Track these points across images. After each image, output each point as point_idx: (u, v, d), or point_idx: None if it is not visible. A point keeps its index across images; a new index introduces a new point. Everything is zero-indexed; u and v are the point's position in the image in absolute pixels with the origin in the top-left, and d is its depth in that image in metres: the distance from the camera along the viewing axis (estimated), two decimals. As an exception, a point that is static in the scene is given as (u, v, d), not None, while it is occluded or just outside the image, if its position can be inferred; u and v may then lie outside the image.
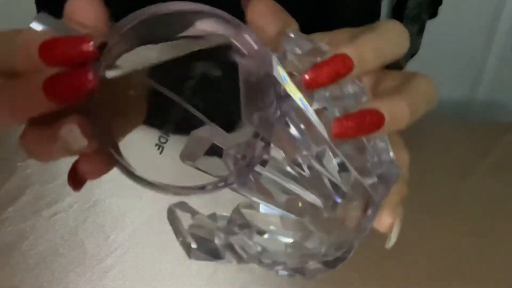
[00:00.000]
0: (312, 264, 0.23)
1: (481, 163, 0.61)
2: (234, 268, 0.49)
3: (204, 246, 0.23)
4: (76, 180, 0.23)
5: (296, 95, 0.20)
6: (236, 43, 0.21)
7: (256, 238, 0.23)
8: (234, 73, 0.21)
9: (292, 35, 0.22)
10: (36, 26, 0.20)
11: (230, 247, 0.23)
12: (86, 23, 0.20)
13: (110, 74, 0.20)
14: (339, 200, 0.21)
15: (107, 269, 0.49)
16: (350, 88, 0.22)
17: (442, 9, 1.15)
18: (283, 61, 0.20)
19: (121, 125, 0.22)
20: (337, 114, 0.21)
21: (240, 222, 0.23)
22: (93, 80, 0.18)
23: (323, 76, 0.19)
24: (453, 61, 1.28)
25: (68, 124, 0.19)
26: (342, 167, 0.21)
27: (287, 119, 0.20)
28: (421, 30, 1.15)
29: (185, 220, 0.24)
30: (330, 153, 0.21)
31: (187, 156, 0.22)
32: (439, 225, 0.52)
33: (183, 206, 0.24)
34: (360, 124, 0.19)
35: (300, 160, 0.21)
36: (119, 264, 0.49)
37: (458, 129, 0.69)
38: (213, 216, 0.24)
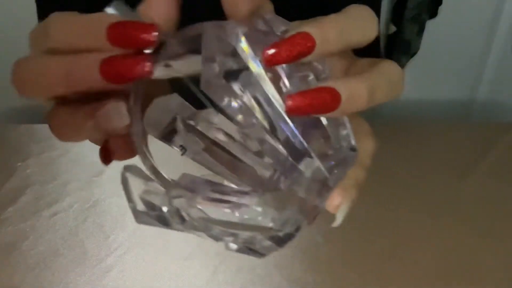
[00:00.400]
0: (261, 240, 0.22)
1: (481, 163, 0.61)
2: (234, 268, 0.49)
3: (153, 212, 0.23)
4: (107, 156, 0.24)
5: (255, 68, 0.20)
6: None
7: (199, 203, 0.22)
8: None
9: (266, 16, 0.22)
10: (110, 11, 0.21)
11: (178, 214, 0.22)
12: (157, 20, 0.21)
13: (160, 71, 0.21)
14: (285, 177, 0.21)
15: (107, 269, 0.49)
16: (311, 67, 0.21)
17: (442, 9, 1.15)
18: (251, 38, 0.20)
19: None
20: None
21: (185, 185, 0.23)
22: (150, 69, 0.20)
23: (283, 53, 0.19)
24: (453, 61, 1.28)
25: (114, 101, 0.21)
26: (300, 151, 0.20)
27: (245, 91, 0.20)
28: (421, 30, 1.15)
29: (138, 185, 0.23)
30: (287, 131, 0.20)
31: (150, 123, 0.22)
32: (439, 225, 0.52)
33: (136, 170, 0.24)
34: (314, 101, 0.19)
35: (250, 133, 0.21)
36: (119, 264, 0.49)
37: (458, 129, 0.69)
38: (166, 182, 0.24)
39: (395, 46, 1.17)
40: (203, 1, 0.26)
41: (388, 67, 0.22)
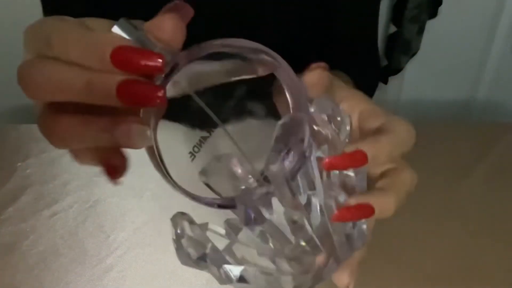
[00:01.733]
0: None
1: (481, 163, 0.61)
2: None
3: (196, 257, 0.25)
4: (115, 172, 0.25)
5: (314, 160, 0.24)
6: (278, 76, 0.24)
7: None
8: (270, 104, 0.24)
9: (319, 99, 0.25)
10: (116, 31, 0.22)
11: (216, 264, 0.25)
12: (164, 41, 0.22)
13: (170, 90, 0.22)
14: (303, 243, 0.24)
15: (107, 269, 0.49)
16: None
17: (442, 9, 1.15)
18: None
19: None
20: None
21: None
22: (163, 98, 0.20)
23: (341, 164, 0.24)
24: (453, 61, 1.28)
25: (138, 123, 0.22)
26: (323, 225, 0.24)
27: (298, 178, 0.24)
28: (421, 30, 1.15)
29: (187, 229, 0.26)
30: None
31: (205, 173, 0.23)
32: (439, 225, 0.52)
33: (188, 217, 0.26)
34: (355, 215, 0.24)
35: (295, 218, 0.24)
36: (119, 264, 0.49)
37: (458, 129, 0.69)
38: (204, 227, 0.26)
39: (395, 46, 1.17)
40: (202, 18, 0.27)
41: (410, 178, 0.29)
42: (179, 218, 0.25)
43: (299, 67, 0.27)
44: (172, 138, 0.24)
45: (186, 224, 0.25)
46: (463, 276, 0.47)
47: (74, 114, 0.22)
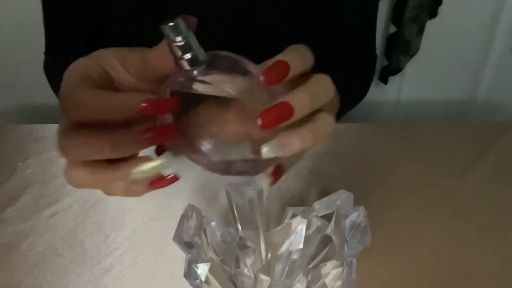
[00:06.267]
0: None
1: (481, 163, 0.61)
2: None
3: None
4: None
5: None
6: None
7: None
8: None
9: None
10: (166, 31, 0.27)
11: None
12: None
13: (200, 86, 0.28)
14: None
15: (107, 269, 0.49)
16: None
17: (442, 9, 1.15)
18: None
19: None
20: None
21: None
22: (175, 133, 0.28)
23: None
24: (453, 61, 1.28)
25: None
26: None
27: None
28: (421, 30, 1.15)
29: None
30: None
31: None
32: (439, 224, 0.52)
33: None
34: (276, 114, 0.27)
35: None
36: (119, 264, 0.49)
37: (458, 129, 0.69)
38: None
39: (395, 46, 1.17)
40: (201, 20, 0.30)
41: (319, 77, 0.29)
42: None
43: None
44: None
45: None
46: (463, 276, 0.47)
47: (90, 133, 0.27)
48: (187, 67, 0.27)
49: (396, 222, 0.53)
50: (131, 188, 0.30)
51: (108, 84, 0.31)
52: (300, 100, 0.27)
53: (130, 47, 0.32)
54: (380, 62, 1.25)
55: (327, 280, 0.35)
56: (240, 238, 0.37)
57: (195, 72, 0.27)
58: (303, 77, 0.29)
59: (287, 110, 0.27)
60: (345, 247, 0.37)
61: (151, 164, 0.28)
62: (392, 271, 0.47)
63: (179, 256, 0.49)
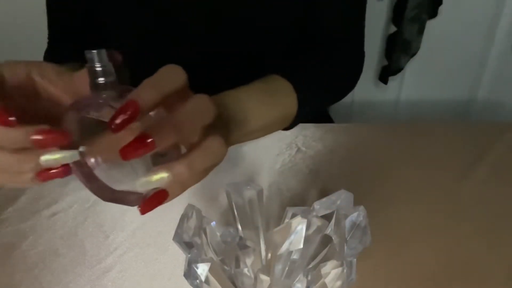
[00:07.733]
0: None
1: (481, 163, 0.61)
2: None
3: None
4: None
5: None
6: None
7: None
8: None
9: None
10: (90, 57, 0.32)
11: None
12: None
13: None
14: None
15: (107, 269, 0.49)
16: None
17: (442, 9, 1.15)
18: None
19: None
20: None
21: None
22: (64, 141, 0.31)
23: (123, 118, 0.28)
24: (453, 61, 1.28)
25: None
26: None
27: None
28: (421, 30, 1.15)
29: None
30: None
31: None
32: (439, 224, 0.52)
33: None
34: (137, 147, 0.28)
35: None
36: (119, 264, 0.49)
37: (458, 129, 0.69)
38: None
39: (395, 46, 1.17)
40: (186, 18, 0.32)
41: (194, 100, 0.31)
42: None
43: (288, 54, 0.32)
44: None
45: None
46: (462, 276, 0.47)
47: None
48: (99, 90, 0.31)
49: (396, 222, 0.52)
50: (18, 177, 0.32)
51: (27, 92, 0.33)
52: (162, 131, 0.29)
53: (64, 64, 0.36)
54: (380, 62, 1.25)
55: (327, 280, 0.35)
56: (240, 238, 0.37)
57: (104, 96, 0.31)
58: (181, 96, 0.31)
59: (146, 143, 0.28)
60: (345, 247, 0.37)
61: (57, 154, 0.31)
62: (392, 271, 0.47)
63: (179, 256, 0.49)
